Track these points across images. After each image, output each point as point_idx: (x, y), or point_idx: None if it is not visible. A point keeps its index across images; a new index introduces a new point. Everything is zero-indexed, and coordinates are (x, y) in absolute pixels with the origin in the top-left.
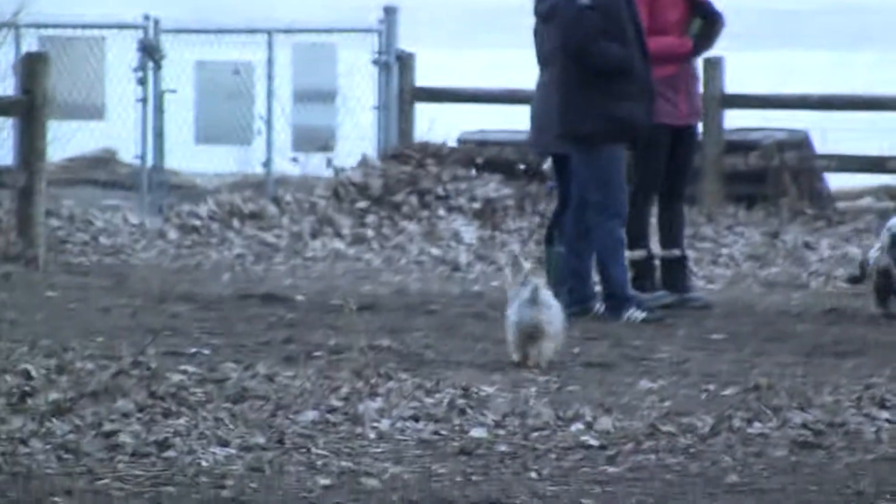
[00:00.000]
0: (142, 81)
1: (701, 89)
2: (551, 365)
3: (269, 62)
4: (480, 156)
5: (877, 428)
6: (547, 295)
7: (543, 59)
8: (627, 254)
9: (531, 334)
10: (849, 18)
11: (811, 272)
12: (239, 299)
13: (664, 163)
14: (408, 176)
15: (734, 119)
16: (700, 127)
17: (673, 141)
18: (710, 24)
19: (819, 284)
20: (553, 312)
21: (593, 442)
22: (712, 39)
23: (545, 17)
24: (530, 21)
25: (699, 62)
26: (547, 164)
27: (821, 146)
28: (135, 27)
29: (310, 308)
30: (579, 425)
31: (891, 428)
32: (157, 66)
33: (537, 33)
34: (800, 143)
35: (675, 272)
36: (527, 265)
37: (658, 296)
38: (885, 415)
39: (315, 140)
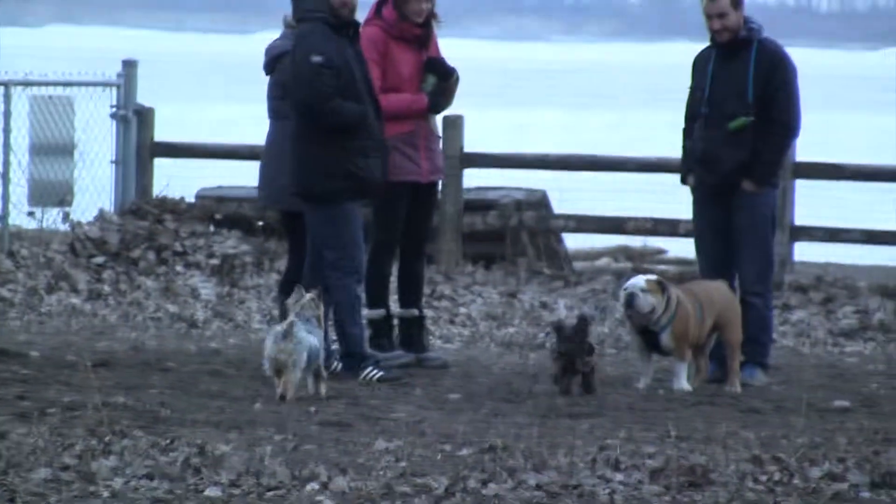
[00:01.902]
0: None
1: (441, 147)
2: (286, 424)
3: (6, 114)
4: (219, 212)
5: (611, 490)
6: (300, 330)
7: (271, 112)
8: (365, 312)
9: (278, 367)
10: (587, 78)
11: (548, 332)
12: None
13: (403, 220)
14: (145, 231)
15: (473, 178)
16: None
17: (413, 198)
18: (445, 80)
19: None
20: (301, 347)
21: (328, 502)
22: (449, 95)
23: (266, 69)
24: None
25: (439, 119)
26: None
27: (559, 206)
28: None
29: (44, 364)
30: (315, 485)
31: (624, 490)
32: None
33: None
34: (538, 202)
35: (413, 331)
36: (305, 298)
37: (396, 355)
38: (619, 477)
39: (52, 194)
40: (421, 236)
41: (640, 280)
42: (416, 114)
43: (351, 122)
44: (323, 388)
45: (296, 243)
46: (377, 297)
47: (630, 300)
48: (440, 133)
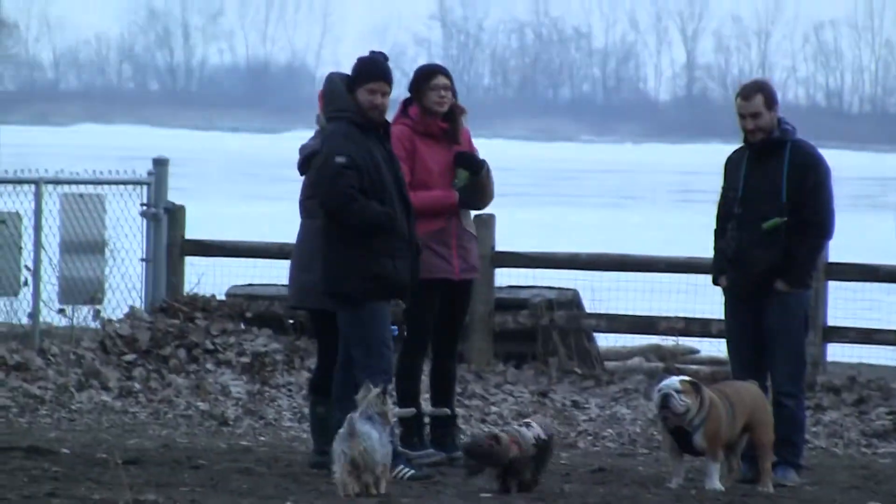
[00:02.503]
0: None
1: (475, 245)
2: None
3: (37, 212)
4: (249, 310)
5: None
6: (364, 426)
7: (302, 211)
8: (396, 410)
9: (354, 465)
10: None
11: (580, 431)
12: (1, 452)
13: (434, 318)
14: (176, 329)
15: (504, 277)
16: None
17: (447, 296)
18: (475, 173)
19: (587, 444)
20: (371, 442)
21: None
22: (482, 189)
23: (299, 169)
24: (296, 174)
25: (471, 216)
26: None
27: (590, 305)
28: None
29: (75, 461)
30: None
31: None
32: None
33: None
34: (569, 301)
35: (444, 430)
36: (372, 395)
37: (427, 453)
38: None
39: (83, 291)
40: (454, 335)
41: (674, 381)
42: (447, 210)
43: (376, 222)
44: (383, 486)
45: (326, 342)
46: (408, 396)
47: (665, 401)
48: (475, 232)
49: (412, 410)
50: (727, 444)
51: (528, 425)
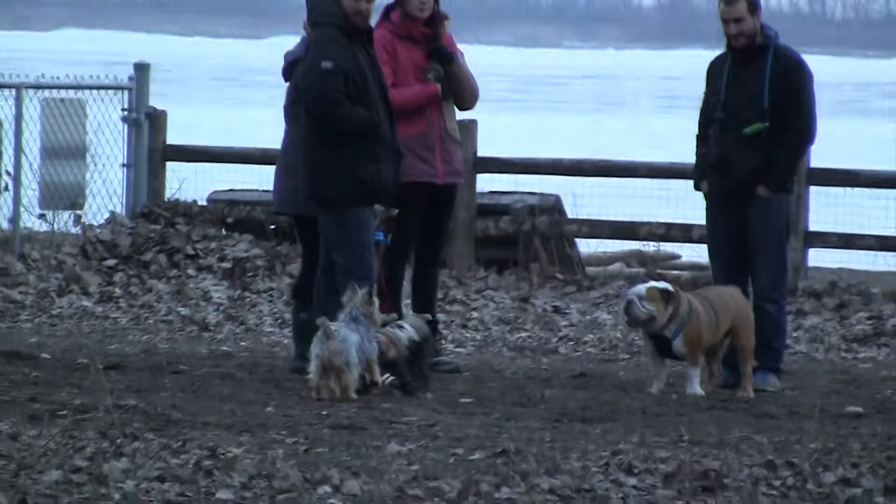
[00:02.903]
0: None
1: (460, 150)
2: (297, 427)
3: (17, 118)
4: (230, 215)
5: (624, 494)
6: (343, 328)
7: (287, 117)
8: (379, 315)
9: (329, 368)
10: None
11: (561, 337)
12: None
13: (417, 223)
14: (157, 234)
15: (486, 182)
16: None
17: (430, 202)
18: (446, 64)
19: (568, 349)
20: (346, 345)
21: None
22: (457, 82)
23: (284, 75)
24: (281, 80)
25: (455, 121)
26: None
27: (572, 211)
28: None
29: (55, 366)
30: (327, 488)
31: (637, 494)
32: None
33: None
34: (551, 207)
35: None
36: (357, 296)
37: None
38: (632, 481)
39: (64, 197)
40: (437, 241)
41: (640, 288)
42: (428, 102)
43: (361, 127)
44: (378, 377)
45: (309, 248)
46: (390, 301)
47: (627, 307)
48: (458, 137)
49: (394, 316)
50: (709, 350)
51: (401, 327)
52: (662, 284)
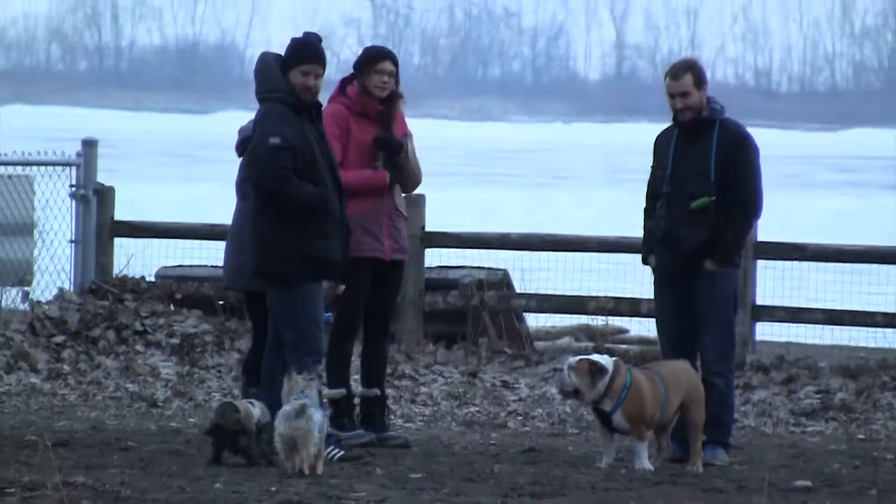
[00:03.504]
0: None
1: (406, 225)
2: (246, 503)
3: None
4: (179, 291)
5: None
6: (312, 408)
7: (238, 192)
8: (326, 391)
9: (291, 445)
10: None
11: (510, 412)
12: None
13: (365, 299)
14: (105, 311)
15: (434, 257)
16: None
17: (377, 277)
18: (393, 155)
19: (517, 424)
20: (313, 424)
21: None
22: (402, 172)
23: (237, 150)
24: (229, 155)
25: (402, 196)
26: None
27: (520, 285)
28: None
29: (4, 443)
30: None
31: None
32: None
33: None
34: (499, 282)
35: (375, 410)
36: (301, 381)
37: (356, 434)
38: None
39: (12, 273)
40: (385, 316)
41: (573, 360)
42: (377, 189)
43: (309, 203)
44: (320, 466)
45: (258, 323)
46: (338, 377)
47: (558, 377)
48: (405, 212)
49: (342, 391)
50: (660, 424)
51: (252, 404)
52: (596, 357)
